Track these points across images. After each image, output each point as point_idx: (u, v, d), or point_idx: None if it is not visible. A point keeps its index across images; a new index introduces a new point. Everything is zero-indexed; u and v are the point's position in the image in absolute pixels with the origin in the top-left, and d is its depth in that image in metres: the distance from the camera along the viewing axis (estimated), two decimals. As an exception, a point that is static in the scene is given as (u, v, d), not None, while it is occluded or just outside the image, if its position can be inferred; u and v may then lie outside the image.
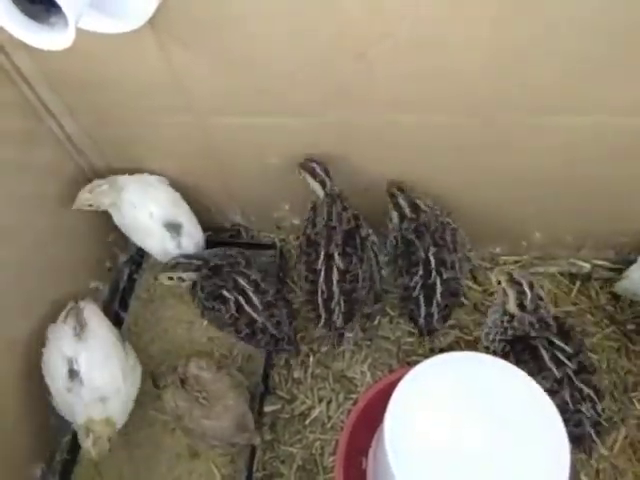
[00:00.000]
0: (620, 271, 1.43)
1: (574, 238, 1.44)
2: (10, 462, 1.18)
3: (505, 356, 1.11)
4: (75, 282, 1.39)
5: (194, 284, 1.31)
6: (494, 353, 1.14)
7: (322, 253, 1.22)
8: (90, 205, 1.29)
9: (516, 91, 0.98)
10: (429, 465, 0.80)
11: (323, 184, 1.24)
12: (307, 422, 1.35)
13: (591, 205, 1.28)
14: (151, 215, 1.33)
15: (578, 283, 1.49)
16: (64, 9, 0.72)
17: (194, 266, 1.30)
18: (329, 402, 1.37)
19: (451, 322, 1.43)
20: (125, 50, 0.96)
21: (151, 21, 0.86)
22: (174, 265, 1.31)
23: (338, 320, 1.26)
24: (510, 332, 1.13)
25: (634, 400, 1.32)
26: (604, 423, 1.12)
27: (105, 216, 1.35)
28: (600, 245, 1.46)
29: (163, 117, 1.15)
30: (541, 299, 1.12)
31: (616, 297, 1.46)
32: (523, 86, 0.96)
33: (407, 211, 1.25)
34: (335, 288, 1.22)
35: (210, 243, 1.54)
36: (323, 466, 1.29)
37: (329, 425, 1.34)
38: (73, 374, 1.16)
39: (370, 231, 1.30)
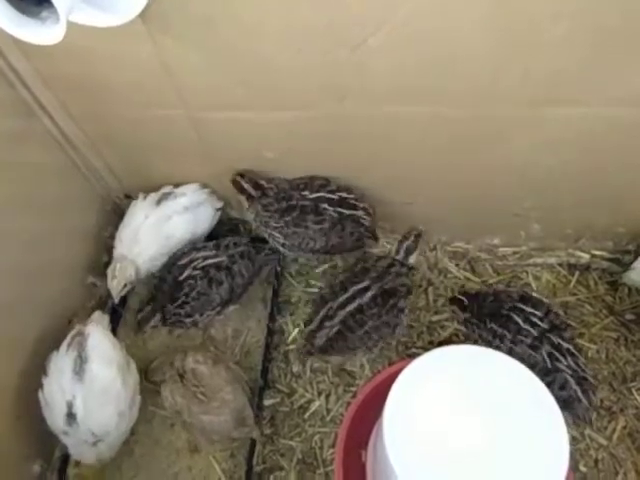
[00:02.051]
0: (618, 261, 1.43)
1: (572, 229, 1.44)
2: (8, 459, 1.18)
3: (489, 329, 1.20)
4: (72, 277, 1.39)
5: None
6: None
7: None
8: (125, 285, 1.34)
9: (515, 82, 0.97)
10: (428, 458, 0.80)
11: (250, 197, 1.32)
12: (306, 415, 1.35)
13: (589, 196, 1.27)
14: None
15: (577, 274, 1.49)
16: (55, 3, 0.71)
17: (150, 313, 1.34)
18: (328, 395, 1.38)
19: (450, 315, 1.44)
20: (116, 44, 0.94)
21: (142, 15, 0.85)
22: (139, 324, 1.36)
23: (319, 341, 1.26)
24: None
25: (633, 390, 1.33)
26: (589, 379, 1.15)
27: (102, 212, 1.35)
28: (598, 236, 1.45)
29: (155, 112, 1.14)
30: None
31: (615, 287, 1.46)
32: (522, 77, 0.95)
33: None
34: (341, 313, 1.23)
35: (208, 238, 1.54)
36: (323, 459, 1.30)
37: (328, 418, 1.34)
38: (71, 418, 1.14)
39: None
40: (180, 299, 1.31)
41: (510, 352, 1.14)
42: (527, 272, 1.51)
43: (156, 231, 1.36)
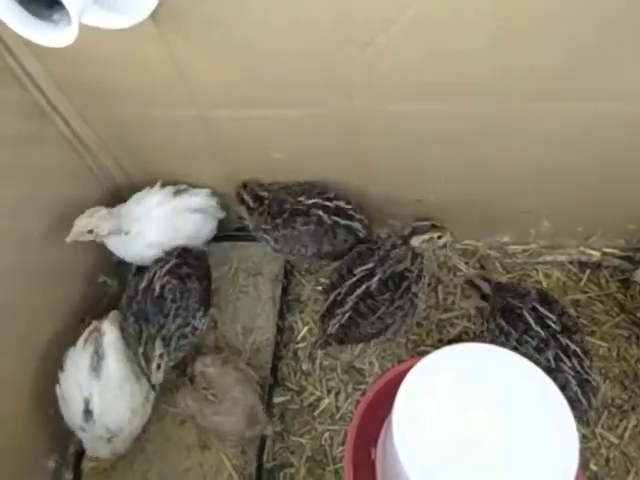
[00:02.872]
0: (630, 259, 1.42)
1: (583, 227, 1.43)
2: (24, 454, 1.20)
3: (497, 324, 1.19)
4: (83, 276, 1.40)
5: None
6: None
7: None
8: (90, 232, 1.26)
9: (522, 78, 0.97)
10: (437, 455, 0.81)
11: (249, 208, 1.34)
12: (316, 413, 1.36)
13: (600, 193, 1.27)
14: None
15: (588, 272, 1.48)
16: (67, 6, 0.72)
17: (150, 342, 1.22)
18: (338, 393, 1.38)
19: (459, 312, 1.44)
20: (127, 46, 0.95)
21: (153, 16, 0.86)
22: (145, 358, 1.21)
23: (332, 329, 1.25)
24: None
25: (644, 388, 1.32)
26: (592, 382, 1.13)
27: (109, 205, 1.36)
28: (609, 233, 1.44)
29: (167, 112, 1.15)
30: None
31: (626, 285, 1.45)
32: (529, 73, 0.95)
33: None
34: (350, 298, 1.22)
35: (217, 237, 1.55)
36: (332, 456, 1.30)
37: (338, 416, 1.35)
38: (88, 414, 1.16)
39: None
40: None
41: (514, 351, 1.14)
42: (537, 270, 1.50)
43: (167, 220, 1.36)
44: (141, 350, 1.20)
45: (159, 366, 1.20)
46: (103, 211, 1.28)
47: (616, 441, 1.27)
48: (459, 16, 0.86)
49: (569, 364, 1.10)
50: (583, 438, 1.26)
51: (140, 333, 1.20)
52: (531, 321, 1.15)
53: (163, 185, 1.39)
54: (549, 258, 1.51)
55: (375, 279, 1.21)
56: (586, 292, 1.46)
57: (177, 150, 1.30)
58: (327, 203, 1.29)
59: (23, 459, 1.20)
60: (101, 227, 1.27)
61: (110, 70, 1.04)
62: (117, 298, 1.49)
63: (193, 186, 1.42)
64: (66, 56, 0.81)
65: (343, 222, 1.30)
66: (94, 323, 1.27)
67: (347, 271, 1.26)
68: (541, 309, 1.16)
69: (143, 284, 1.26)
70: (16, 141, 1.12)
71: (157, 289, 1.25)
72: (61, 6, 0.73)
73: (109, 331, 1.25)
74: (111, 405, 1.18)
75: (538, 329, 1.13)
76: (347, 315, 1.22)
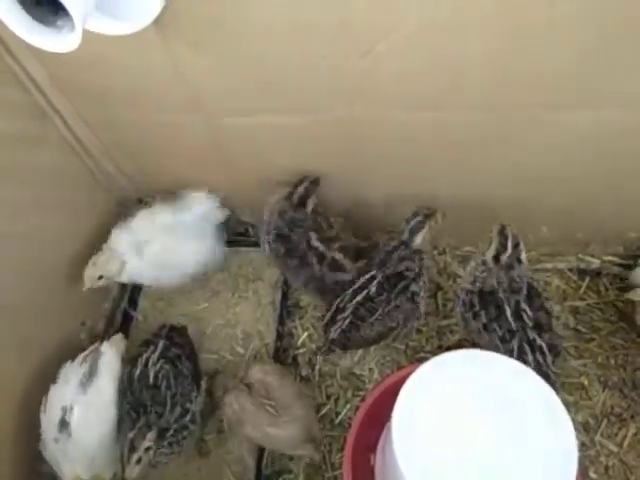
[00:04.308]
0: (629, 267, 1.42)
1: (583, 234, 1.43)
2: (20, 459, 1.18)
3: (471, 307, 1.17)
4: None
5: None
6: (462, 303, 1.19)
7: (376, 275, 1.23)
8: (100, 277, 1.29)
9: (524, 86, 0.97)
10: (436, 462, 0.80)
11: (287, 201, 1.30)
12: (316, 419, 1.35)
13: (599, 200, 1.27)
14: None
15: (587, 279, 1.48)
16: (71, 12, 0.73)
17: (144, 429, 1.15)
18: (337, 399, 1.38)
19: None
20: (130, 51, 0.96)
21: (155, 22, 0.87)
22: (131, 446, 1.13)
23: (334, 334, 1.25)
24: (478, 284, 1.16)
25: (644, 396, 1.32)
26: (552, 377, 1.12)
27: (114, 215, 1.36)
28: (609, 241, 1.45)
29: (169, 117, 1.16)
30: (520, 261, 1.15)
31: (625, 293, 1.45)
32: (533, 81, 0.96)
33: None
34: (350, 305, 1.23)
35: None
36: (331, 462, 1.30)
37: (337, 422, 1.35)
38: (63, 425, 1.14)
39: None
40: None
41: (478, 332, 1.15)
42: (536, 277, 1.50)
43: (169, 241, 1.36)
44: (131, 435, 1.13)
45: (139, 460, 1.12)
46: (101, 256, 1.30)
47: (615, 449, 1.26)
48: (459, 24, 0.86)
49: (530, 357, 1.11)
50: (582, 446, 1.26)
51: (137, 419, 1.15)
52: (508, 310, 1.13)
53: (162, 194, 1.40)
54: (548, 265, 1.51)
55: (374, 282, 1.22)
56: (585, 299, 1.46)
57: (179, 155, 1.31)
58: (324, 252, 1.30)
59: (19, 464, 1.19)
60: (107, 269, 1.29)
61: (112, 74, 1.05)
62: (118, 302, 1.51)
63: (198, 187, 1.41)
64: (68, 60, 0.82)
65: (332, 274, 1.30)
66: (96, 344, 1.28)
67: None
68: (523, 303, 1.14)
69: (137, 372, 1.21)
70: (18, 143, 1.13)
71: (151, 377, 1.21)
72: (65, 12, 0.74)
73: (108, 352, 1.26)
74: (92, 423, 1.16)
75: (511, 319, 1.13)
76: (348, 320, 1.22)
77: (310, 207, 1.30)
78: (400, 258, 1.23)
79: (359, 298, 1.22)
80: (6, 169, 1.10)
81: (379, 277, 1.22)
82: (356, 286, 1.23)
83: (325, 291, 1.34)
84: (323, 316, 1.30)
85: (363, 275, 1.24)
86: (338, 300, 1.24)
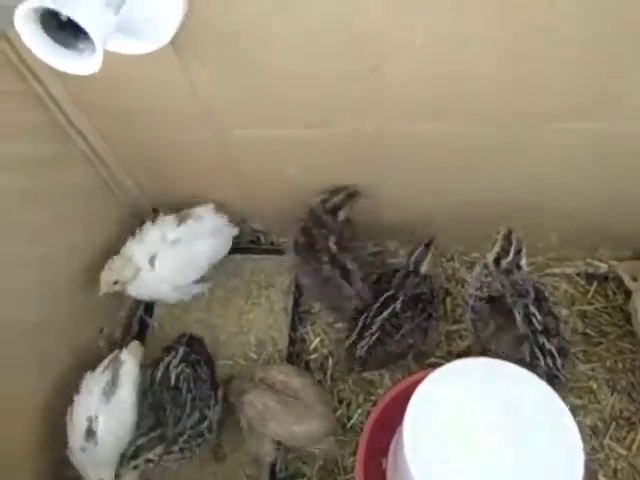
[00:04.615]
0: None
1: (590, 239, 1.44)
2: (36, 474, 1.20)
3: (480, 313, 1.19)
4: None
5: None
6: (472, 309, 1.21)
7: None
8: (116, 282, 1.31)
9: (531, 97, 0.99)
10: (447, 467, 0.83)
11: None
12: (328, 423, 1.37)
13: (606, 206, 1.28)
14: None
15: (595, 283, 1.49)
16: (92, 36, 0.76)
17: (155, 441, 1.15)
18: (349, 404, 1.40)
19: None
20: (148, 70, 0.99)
21: (172, 41, 0.89)
22: (134, 452, 1.12)
23: (360, 352, 1.27)
24: (485, 290, 1.18)
25: (652, 400, 1.33)
26: (562, 378, 1.14)
27: (130, 226, 1.39)
28: (617, 245, 1.46)
29: (185, 133, 1.19)
30: (519, 267, 1.16)
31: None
32: (538, 92, 0.98)
33: None
34: (378, 319, 1.26)
35: (230, 249, 1.58)
36: (344, 466, 1.32)
37: (349, 426, 1.37)
38: (90, 434, 1.17)
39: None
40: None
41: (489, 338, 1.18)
42: (545, 282, 1.52)
43: (180, 253, 1.37)
44: (140, 442, 1.13)
45: (136, 467, 1.11)
46: (117, 261, 1.32)
47: (624, 453, 1.28)
48: (466, 39, 0.88)
49: (542, 361, 1.13)
50: (591, 450, 1.28)
51: (153, 428, 1.16)
52: (517, 316, 1.15)
53: (177, 207, 1.41)
54: (557, 270, 1.52)
55: (399, 300, 1.26)
56: (593, 304, 1.47)
57: (195, 170, 1.34)
58: (337, 255, 1.29)
59: (43, 472, 1.21)
60: (122, 275, 1.31)
61: (130, 93, 1.08)
62: (134, 310, 1.54)
63: (211, 195, 1.43)
64: (88, 79, 0.85)
65: (340, 280, 1.30)
66: (116, 352, 1.31)
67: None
68: (532, 307, 1.16)
69: (159, 374, 1.24)
70: (39, 162, 1.15)
71: (173, 379, 1.24)
72: (86, 35, 0.77)
73: (128, 360, 1.29)
74: (116, 429, 1.20)
75: (520, 325, 1.14)
76: (375, 336, 1.25)
77: (342, 217, 1.32)
78: (414, 285, 1.28)
79: (385, 314, 1.25)
80: (28, 193, 1.12)
81: (402, 296, 1.26)
82: (379, 303, 1.27)
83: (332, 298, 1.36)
84: (347, 337, 1.31)
85: (383, 293, 1.28)
86: (364, 317, 1.27)
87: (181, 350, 1.30)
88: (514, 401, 0.86)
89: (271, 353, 1.48)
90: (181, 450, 1.18)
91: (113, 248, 1.37)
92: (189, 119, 1.13)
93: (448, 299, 1.51)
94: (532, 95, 0.99)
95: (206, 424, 1.22)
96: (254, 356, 1.48)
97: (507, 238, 1.17)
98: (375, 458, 1.14)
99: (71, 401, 1.22)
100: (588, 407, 1.33)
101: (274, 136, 1.17)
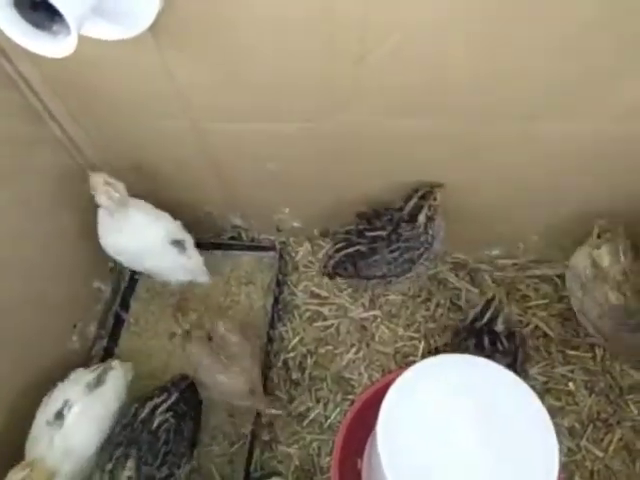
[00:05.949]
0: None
1: (572, 241, 1.45)
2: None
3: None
4: (78, 282, 1.41)
5: None
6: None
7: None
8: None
9: (513, 97, 0.99)
10: (421, 466, 0.82)
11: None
12: (305, 423, 1.36)
13: (589, 209, 1.29)
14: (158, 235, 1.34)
15: (575, 285, 1.50)
16: (66, 18, 0.73)
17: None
18: (327, 403, 1.39)
19: (447, 323, 1.45)
20: (124, 55, 0.96)
21: (151, 27, 0.87)
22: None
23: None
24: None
25: (629, 402, 1.34)
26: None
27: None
28: (597, 248, 1.46)
29: (162, 122, 1.16)
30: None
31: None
32: (519, 93, 0.97)
33: None
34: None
35: (210, 245, 1.57)
36: (320, 466, 1.31)
37: (326, 425, 1.36)
38: (59, 417, 1.14)
39: None
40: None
41: None
42: (526, 283, 1.52)
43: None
44: (109, 467, 1.10)
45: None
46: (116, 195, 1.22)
47: (601, 454, 1.28)
48: (448, 41, 0.88)
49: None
50: (568, 451, 1.28)
51: (115, 450, 1.13)
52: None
53: (154, 193, 1.38)
54: (537, 272, 1.53)
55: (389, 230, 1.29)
56: (572, 306, 1.47)
57: (172, 160, 1.31)
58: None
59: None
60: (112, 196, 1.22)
61: (106, 78, 1.05)
62: (110, 305, 1.51)
63: (189, 192, 1.42)
64: (62, 62, 0.82)
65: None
66: (110, 361, 1.31)
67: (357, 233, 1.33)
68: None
69: (144, 413, 1.19)
70: (11, 144, 1.12)
71: (155, 424, 1.17)
72: (61, 17, 0.75)
73: (118, 368, 1.29)
74: (83, 427, 1.16)
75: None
76: (355, 249, 1.31)
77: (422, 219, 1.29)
78: (407, 238, 1.29)
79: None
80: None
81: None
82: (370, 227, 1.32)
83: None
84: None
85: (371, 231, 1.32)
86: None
87: (174, 397, 1.23)
88: (491, 400, 0.86)
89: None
90: None
91: (85, 234, 1.33)
92: (165, 108, 1.11)
93: (431, 299, 1.51)
94: (516, 96, 0.98)
95: None
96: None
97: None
98: (351, 458, 1.13)
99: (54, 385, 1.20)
100: (566, 408, 1.34)
101: (254, 130, 1.16)
